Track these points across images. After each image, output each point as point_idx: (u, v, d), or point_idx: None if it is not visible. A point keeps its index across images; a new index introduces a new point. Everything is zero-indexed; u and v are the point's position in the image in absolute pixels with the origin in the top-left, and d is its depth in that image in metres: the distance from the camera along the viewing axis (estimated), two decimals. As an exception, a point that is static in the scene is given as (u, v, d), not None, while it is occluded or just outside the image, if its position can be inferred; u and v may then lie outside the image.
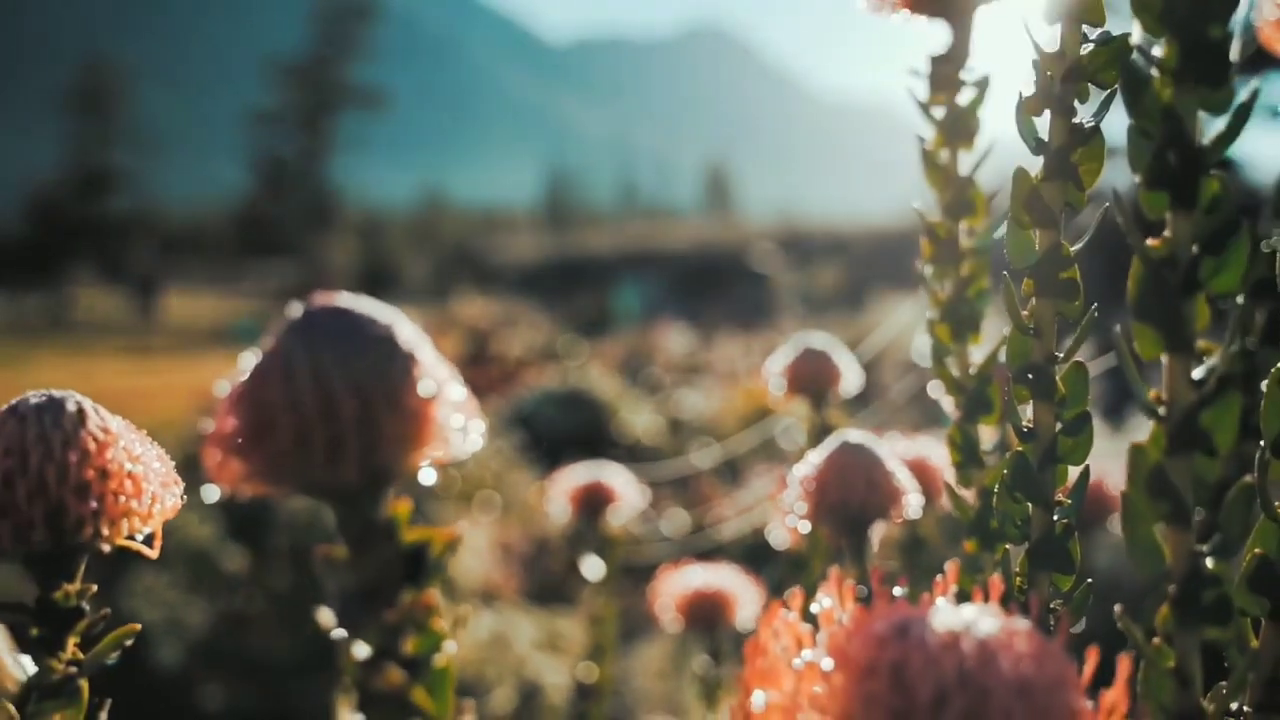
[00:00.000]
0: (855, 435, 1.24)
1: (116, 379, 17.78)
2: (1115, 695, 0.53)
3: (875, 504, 1.19)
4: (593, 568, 2.28)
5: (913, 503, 1.21)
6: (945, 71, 0.99)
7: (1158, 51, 0.60)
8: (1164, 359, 0.60)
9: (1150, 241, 0.61)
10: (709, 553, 3.73)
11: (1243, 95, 0.58)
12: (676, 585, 2.10)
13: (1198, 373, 0.60)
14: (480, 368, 11.62)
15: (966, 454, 0.98)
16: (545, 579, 5.77)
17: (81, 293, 40.28)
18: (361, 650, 0.51)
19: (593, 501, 2.27)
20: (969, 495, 1.00)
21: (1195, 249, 0.59)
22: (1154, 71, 0.60)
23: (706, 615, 2.06)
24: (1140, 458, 0.59)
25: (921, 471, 1.53)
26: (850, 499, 1.18)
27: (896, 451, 1.57)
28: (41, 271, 40.37)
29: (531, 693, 4.06)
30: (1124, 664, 0.53)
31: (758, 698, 0.54)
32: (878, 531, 1.43)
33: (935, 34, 1.01)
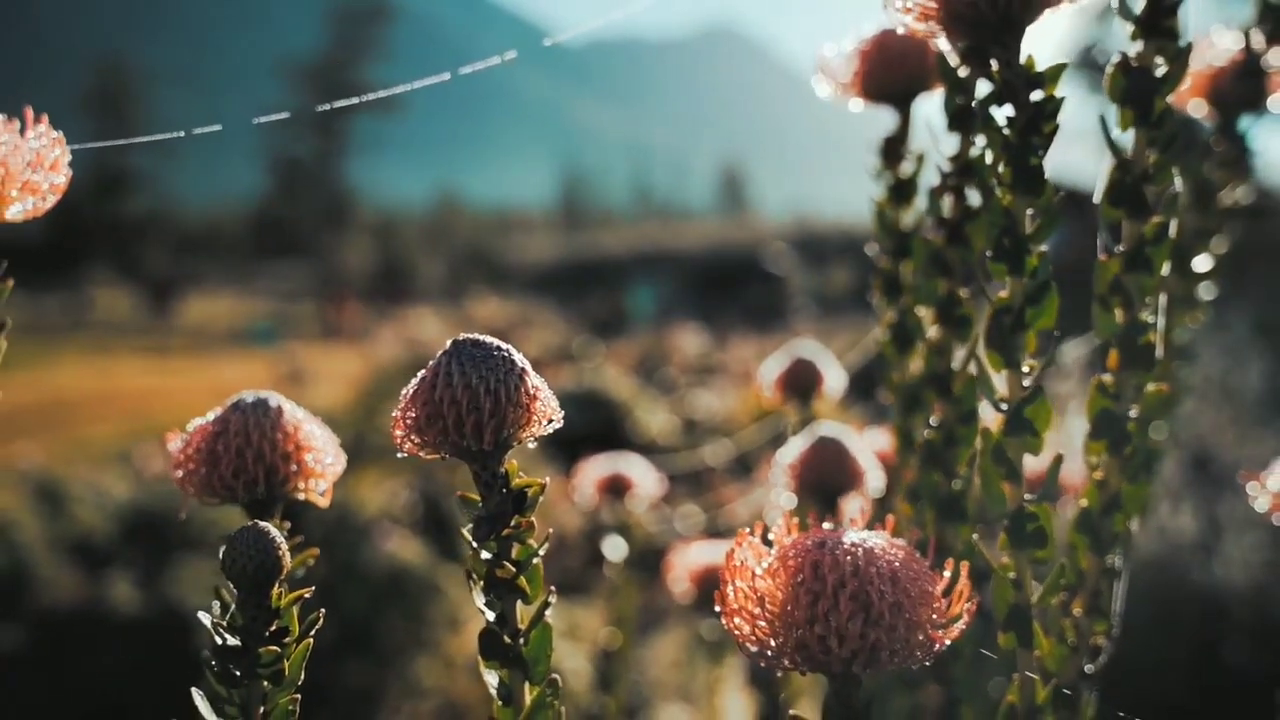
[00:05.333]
0: (828, 429, 1.56)
1: (137, 378, 18.04)
2: (961, 584, 0.84)
3: (843, 482, 1.51)
4: (614, 547, 2.56)
5: (873, 481, 1.53)
6: (890, 148, 1.30)
7: (1000, 168, 0.90)
8: (1003, 372, 0.91)
9: (998, 295, 0.91)
10: (721, 537, 4.00)
11: (1054, 200, 0.89)
12: (688, 560, 2.42)
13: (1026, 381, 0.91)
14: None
15: (904, 441, 1.29)
16: (564, 573, 6.06)
17: (100, 293, 40.63)
18: (487, 554, 0.83)
19: (614, 488, 2.57)
20: (908, 472, 1.31)
21: (1022, 301, 0.90)
22: (996, 182, 0.90)
23: (714, 586, 2.36)
24: (987, 438, 0.90)
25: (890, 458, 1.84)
26: (823, 478, 1.50)
27: (873, 443, 1.88)
28: (60, 272, 40.60)
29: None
30: (965, 566, 0.85)
31: (731, 586, 0.85)
32: (855, 505, 1.75)
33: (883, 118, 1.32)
